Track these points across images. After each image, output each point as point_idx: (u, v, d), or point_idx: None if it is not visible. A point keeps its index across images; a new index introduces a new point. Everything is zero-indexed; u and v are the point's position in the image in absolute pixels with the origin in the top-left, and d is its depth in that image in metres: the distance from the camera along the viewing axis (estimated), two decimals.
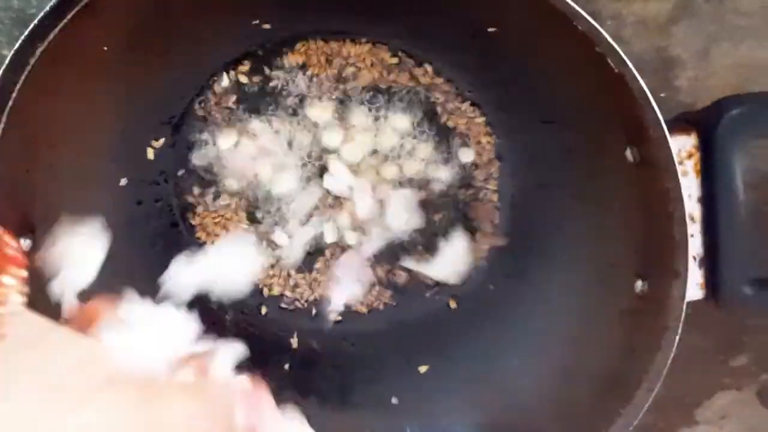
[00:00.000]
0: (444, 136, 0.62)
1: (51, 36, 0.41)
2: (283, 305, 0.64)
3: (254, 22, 0.55)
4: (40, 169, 0.47)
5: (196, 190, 0.61)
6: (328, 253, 0.63)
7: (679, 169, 0.45)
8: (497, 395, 0.58)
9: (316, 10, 0.56)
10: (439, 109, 0.61)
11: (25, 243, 0.47)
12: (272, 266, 0.63)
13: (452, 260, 0.61)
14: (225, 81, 0.59)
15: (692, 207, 0.47)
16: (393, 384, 0.61)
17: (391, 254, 0.63)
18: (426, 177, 0.61)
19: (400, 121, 0.60)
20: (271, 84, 0.60)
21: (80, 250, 0.41)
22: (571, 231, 0.57)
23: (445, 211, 0.63)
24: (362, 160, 0.61)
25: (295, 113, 0.60)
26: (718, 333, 0.71)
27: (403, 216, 0.60)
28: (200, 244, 0.62)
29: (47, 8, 0.40)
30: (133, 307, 0.36)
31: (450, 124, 0.61)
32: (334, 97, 0.60)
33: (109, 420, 0.28)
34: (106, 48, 0.45)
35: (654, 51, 0.65)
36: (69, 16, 0.40)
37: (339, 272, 0.61)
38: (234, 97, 0.60)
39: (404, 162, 0.61)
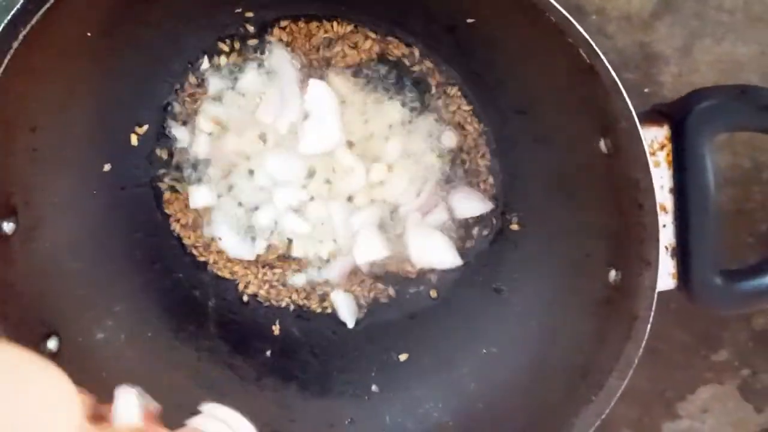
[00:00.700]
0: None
1: (33, 21, 0.41)
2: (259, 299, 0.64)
3: (236, 11, 0.56)
4: (21, 152, 0.48)
5: (167, 178, 0.62)
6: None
7: (652, 160, 0.45)
8: (474, 383, 0.58)
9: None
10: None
11: (8, 226, 0.48)
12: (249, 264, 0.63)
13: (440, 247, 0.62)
14: (206, 64, 0.59)
15: (664, 197, 0.48)
16: (373, 372, 0.62)
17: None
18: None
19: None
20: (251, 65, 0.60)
21: None
22: (545, 221, 0.57)
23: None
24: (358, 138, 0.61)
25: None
26: (699, 328, 0.71)
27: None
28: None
29: None
30: None
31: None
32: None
33: None
34: (89, 34, 0.46)
35: (637, 46, 0.65)
36: (51, 1, 0.40)
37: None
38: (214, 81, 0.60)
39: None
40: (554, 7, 0.42)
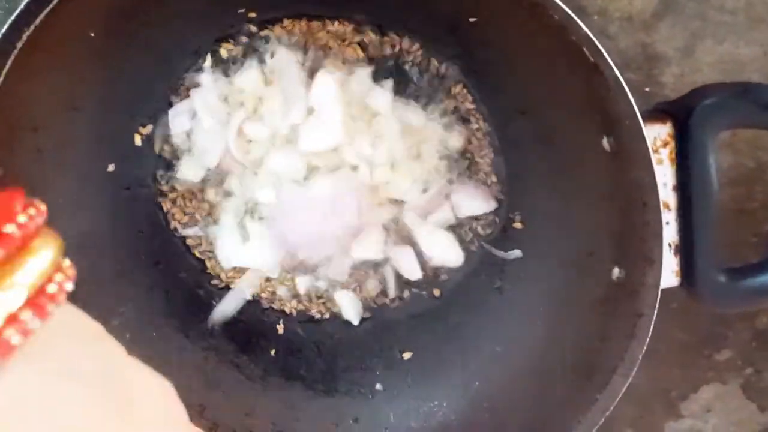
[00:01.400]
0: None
1: (37, 21, 0.41)
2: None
3: (240, 11, 0.56)
4: (25, 153, 0.48)
5: (171, 178, 0.61)
6: None
7: (655, 157, 0.45)
8: (478, 381, 0.58)
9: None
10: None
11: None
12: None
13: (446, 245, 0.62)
14: (208, 64, 0.59)
15: (667, 195, 0.48)
16: (377, 371, 0.62)
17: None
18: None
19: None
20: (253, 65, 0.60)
21: None
22: (548, 220, 0.57)
23: None
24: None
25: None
26: (702, 327, 0.71)
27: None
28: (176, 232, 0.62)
29: None
30: None
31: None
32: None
33: None
34: (92, 34, 0.46)
35: (639, 47, 0.65)
36: (55, 1, 0.41)
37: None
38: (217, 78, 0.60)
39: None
40: (557, 5, 0.42)
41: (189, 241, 0.62)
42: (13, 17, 0.41)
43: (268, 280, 0.63)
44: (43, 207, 0.27)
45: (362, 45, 0.60)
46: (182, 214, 0.62)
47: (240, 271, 0.63)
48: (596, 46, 0.43)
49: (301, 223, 0.60)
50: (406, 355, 0.62)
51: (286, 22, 0.59)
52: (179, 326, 0.60)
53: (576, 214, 0.54)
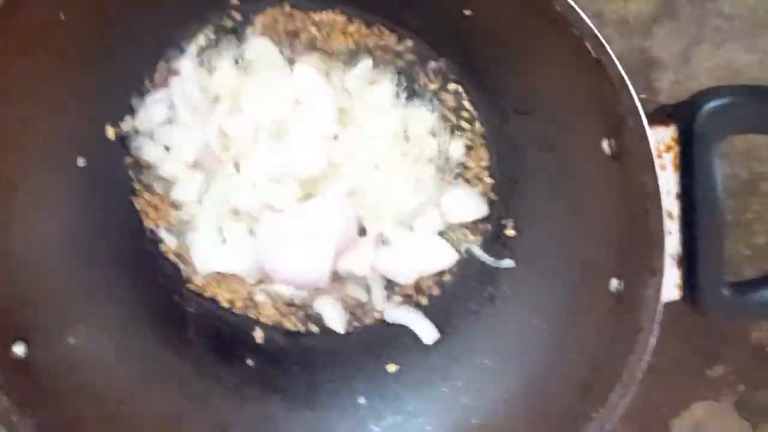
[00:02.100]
0: None
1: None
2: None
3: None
4: None
5: (140, 174, 0.59)
6: None
7: (658, 162, 0.43)
8: (468, 396, 0.57)
9: None
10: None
11: None
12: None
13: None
14: (188, 54, 0.58)
15: (670, 203, 0.46)
16: (361, 383, 0.60)
17: None
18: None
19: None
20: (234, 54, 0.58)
21: None
22: (544, 227, 0.56)
23: None
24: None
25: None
26: (695, 343, 0.70)
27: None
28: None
29: None
30: None
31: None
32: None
33: None
34: (63, 17, 0.44)
35: (636, 52, 0.65)
36: None
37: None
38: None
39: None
40: None
41: (163, 246, 0.60)
42: None
43: (246, 286, 0.61)
44: None
45: (354, 38, 0.58)
46: (157, 214, 0.60)
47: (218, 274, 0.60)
48: (599, 40, 0.41)
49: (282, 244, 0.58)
50: (391, 368, 0.60)
51: (269, 10, 0.57)
52: (153, 333, 0.58)
53: (573, 221, 0.52)
